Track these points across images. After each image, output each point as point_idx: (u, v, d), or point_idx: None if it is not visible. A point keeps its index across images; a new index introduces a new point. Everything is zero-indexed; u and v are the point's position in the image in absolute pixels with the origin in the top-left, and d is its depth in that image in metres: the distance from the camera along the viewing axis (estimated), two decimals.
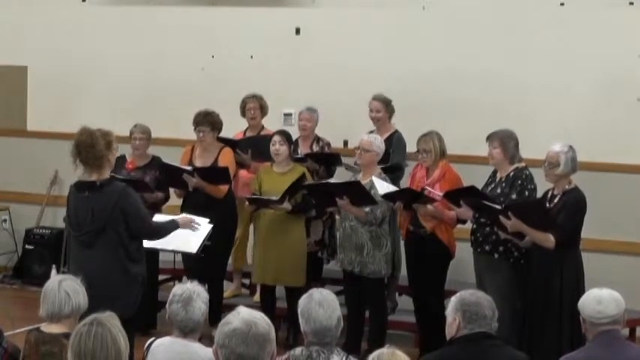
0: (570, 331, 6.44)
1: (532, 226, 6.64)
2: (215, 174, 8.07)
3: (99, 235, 6.01)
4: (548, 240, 6.60)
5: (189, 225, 6.73)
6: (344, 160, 8.49)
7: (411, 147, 8.29)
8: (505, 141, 7.13)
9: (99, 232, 6.00)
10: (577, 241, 6.78)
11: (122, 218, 6.01)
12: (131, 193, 6.19)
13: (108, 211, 5.97)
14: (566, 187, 6.75)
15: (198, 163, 8.22)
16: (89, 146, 5.98)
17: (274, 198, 7.85)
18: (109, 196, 5.99)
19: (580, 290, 6.28)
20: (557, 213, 6.70)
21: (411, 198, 7.56)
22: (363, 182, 7.66)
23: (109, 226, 5.99)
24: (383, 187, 7.50)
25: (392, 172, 8.06)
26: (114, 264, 6.00)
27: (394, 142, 8.37)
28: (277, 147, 8.06)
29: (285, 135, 8.15)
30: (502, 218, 6.73)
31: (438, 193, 7.37)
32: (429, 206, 7.49)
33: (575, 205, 6.70)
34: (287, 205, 7.88)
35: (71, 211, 6.21)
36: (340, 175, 8.43)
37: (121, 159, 8.25)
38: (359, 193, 7.49)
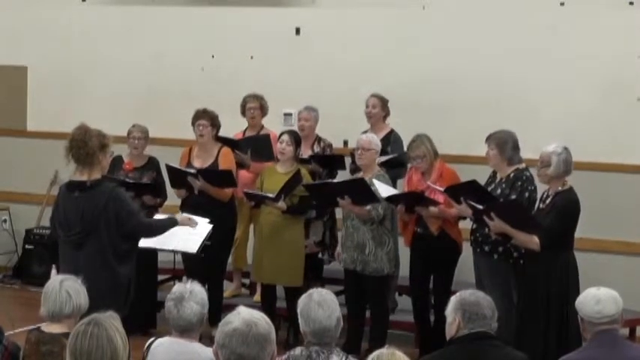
0: (558, 333, 6.43)
1: (516, 227, 6.57)
2: (219, 176, 8.08)
3: (88, 237, 5.92)
4: (532, 242, 6.52)
5: (188, 222, 6.70)
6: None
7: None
8: (501, 143, 7.11)
9: (89, 233, 5.92)
10: (567, 243, 6.63)
11: (113, 219, 5.92)
12: (121, 193, 6.12)
13: (98, 212, 5.89)
14: (560, 188, 6.63)
15: (196, 164, 8.22)
16: (82, 142, 5.91)
17: (271, 195, 7.87)
18: (99, 196, 5.91)
19: (570, 293, 6.24)
20: (547, 214, 6.61)
21: (413, 201, 7.56)
22: None
23: (99, 227, 5.91)
24: (384, 189, 7.49)
25: (393, 166, 8.07)
26: (103, 265, 5.90)
27: (392, 140, 8.42)
28: (284, 146, 8.08)
29: (293, 135, 8.17)
30: (486, 218, 6.69)
31: (439, 188, 7.36)
32: (432, 208, 7.48)
33: (564, 207, 6.58)
34: (282, 204, 7.89)
35: (60, 212, 6.09)
36: (342, 179, 8.42)
37: (118, 160, 8.27)
38: (362, 191, 7.49)
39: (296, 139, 8.15)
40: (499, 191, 7.11)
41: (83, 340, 3.49)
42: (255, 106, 8.83)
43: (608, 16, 8.70)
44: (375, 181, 7.54)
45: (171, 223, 6.53)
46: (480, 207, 6.72)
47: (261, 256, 8.10)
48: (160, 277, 9.02)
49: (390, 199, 7.50)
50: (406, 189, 7.80)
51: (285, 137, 8.12)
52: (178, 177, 8.10)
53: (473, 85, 9.04)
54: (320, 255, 8.55)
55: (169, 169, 8.15)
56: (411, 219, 7.72)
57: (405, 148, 7.95)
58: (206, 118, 8.22)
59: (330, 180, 8.18)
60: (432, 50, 9.19)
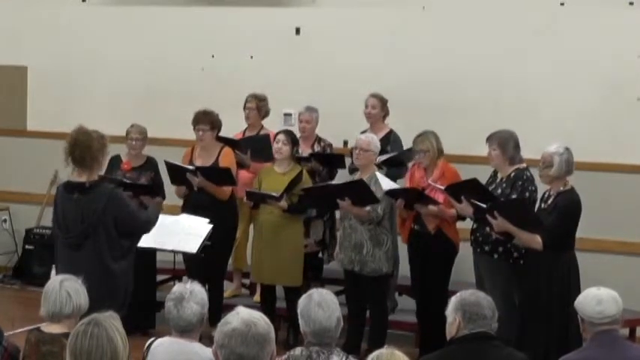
0: (559, 333, 6.43)
1: (519, 226, 6.58)
2: (217, 174, 8.08)
3: (88, 238, 5.92)
4: (535, 241, 6.55)
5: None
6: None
7: (408, 146, 8.30)
8: (503, 142, 7.12)
9: (88, 235, 5.91)
10: (569, 243, 6.67)
11: (112, 221, 5.91)
12: (120, 194, 6.13)
13: (98, 214, 5.88)
14: (561, 188, 6.67)
15: (198, 164, 8.21)
16: (85, 145, 5.89)
17: (273, 194, 7.87)
18: (98, 198, 5.90)
19: (571, 292, 6.24)
20: (548, 214, 6.64)
21: (413, 198, 7.56)
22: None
23: (99, 229, 5.90)
24: (385, 183, 7.50)
25: (394, 165, 8.06)
26: (101, 267, 5.89)
27: (392, 140, 8.43)
28: (280, 146, 8.07)
29: (290, 135, 8.17)
30: (489, 217, 6.70)
31: (440, 186, 7.36)
32: (431, 206, 7.49)
33: (566, 207, 6.62)
34: (283, 204, 7.89)
35: (59, 213, 6.07)
36: (341, 178, 8.42)
37: (116, 159, 8.26)
38: (361, 193, 7.48)
39: (292, 139, 8.15)
40: (500, 191, 7.11)
41: (83, 340, 3.49)
42: (251, 106, 8.83)
43: (608, 16, 8.70)
44: (378, 174, 7.55)
45: (159, 209, 6.64)
46: (484, 205, 6.73)
47: (261, 257, 8.10)
48: (160, 278, 9.02)
49: (390, 192, 7.49)
50: (408, 185, 7.80)
51: (281, 137, 8.12)
52: (178, 173, 8.09)
53: (473, 86, 9.04)
54: (320, 254, 8.55)
55: (169, 165, 8.15)
56: (409, 216, 7.72)
57: (411, 144, 7.90)
58: (205, 121, 8.19)
59: (329, 182, 8.16)
60: (432, 50, 9.19)
